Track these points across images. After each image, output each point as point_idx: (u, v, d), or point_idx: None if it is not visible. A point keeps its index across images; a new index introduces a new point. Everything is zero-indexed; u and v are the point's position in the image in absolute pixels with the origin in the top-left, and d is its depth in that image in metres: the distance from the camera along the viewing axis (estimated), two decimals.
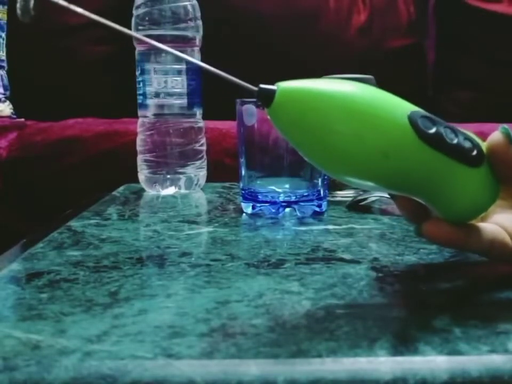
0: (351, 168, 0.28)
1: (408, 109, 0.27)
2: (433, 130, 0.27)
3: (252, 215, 0.50)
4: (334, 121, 0.26)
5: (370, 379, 0.21)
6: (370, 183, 0.28)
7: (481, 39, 1.22)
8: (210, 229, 0.45)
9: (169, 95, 0.61)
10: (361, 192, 0.54)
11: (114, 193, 0.62)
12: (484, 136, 0.30)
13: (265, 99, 0.26)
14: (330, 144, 0.27)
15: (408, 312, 0.27)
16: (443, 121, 0.28)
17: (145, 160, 0.63)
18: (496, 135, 0.29)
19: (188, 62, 0.61)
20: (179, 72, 0.61)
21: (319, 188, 0.50)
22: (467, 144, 0.28)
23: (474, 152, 0.28)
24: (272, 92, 0.26)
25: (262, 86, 0.26)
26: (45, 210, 0.78)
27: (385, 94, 0.28)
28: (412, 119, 0.27)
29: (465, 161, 0.28)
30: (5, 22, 1.15)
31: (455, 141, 0.28)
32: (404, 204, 0.32)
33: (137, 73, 0.62)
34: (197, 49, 0.62)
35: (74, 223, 0.47)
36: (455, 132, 0.28)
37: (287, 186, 0.49)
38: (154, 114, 0.62)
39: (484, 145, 0.29)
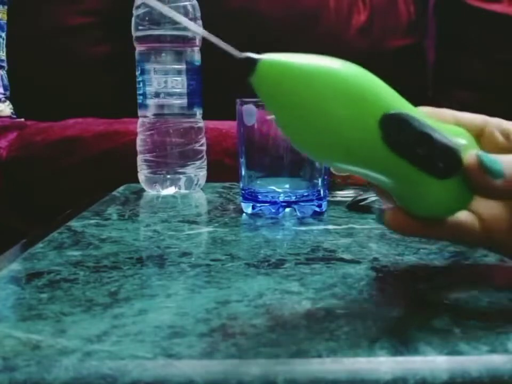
0: (316, 149, 0.27)
1: (387, 108, 0.26)
2: (402, 136, 0.26)
3: (252, 215, 0.50)
4: (308, 99, 0.26)
5: (370, 379, 0.21)
6: (342, 166, 0.28)
7: (481, 39, 1.22)
8: (210, 229, 0.45)
9: (169, 95, 0.61)
10: (361, 192, 0.54)
11: (114, 193, 0.62)
12: None
13: (247, 67, 0.26)
14: (303, 121, 0.26)
15: (408, 312, 0.27)
16: (422, 125, 0.26)
17: (145, 160, 0.63)
18: (471, 156, 0.27)
19: (187, 62, 0.61)
20: (179, 72, 0.61)
21: (319, 188, 0.50)
22: (439, 155, 0.26)
23: (446, 165, 0.27)
24: (255, 61, 0.26)
25: (246, 54, 0.26)
26: (45, 210, 0.78)
27: (373, 83, 0.27)
28: (383, 121, 0.26)
29: (432, 174, 0.27)
30: (5, 22, 1.15)
31: (425, 152, 0.26)
32: (378, 189, 0.31)
33: (137, 73, 0.62)
34: (196, 49, 0.62)
35: (74, 223, 0.47)
36: (429, 140, 0.26)
37: (287, 186, 0.49)
38: (154, 114, 0.62)
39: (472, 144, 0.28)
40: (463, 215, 0.30)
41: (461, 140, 0.27)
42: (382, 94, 0.27)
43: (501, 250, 0.32)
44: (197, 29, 0.29)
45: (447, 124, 0.29)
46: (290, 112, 0.26)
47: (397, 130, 0.26)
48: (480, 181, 0.27)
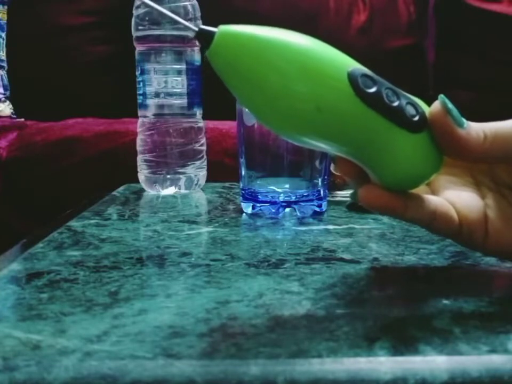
0: (284, 119, 0.27)
1: (350, 66, 0.27)
2: (373, 89, 0.27)
3: (252, 215, 0.50)
4: (268, 69, 0.26)
5: (370, 379, 0.21)
6: (305, 138, 0.28)
7: (481, 39, 1.22)
8: (210, 229, 0.45)
9: (169, 95, 0.61)
10: None
11: (114, 193, 0.62)
12: None
13: (205, 40, 0.26)
14: (263, 92, 0.26)
15: (408, 312, 0.27)
16: (387, 82, 0.28)
17: (145, 160, 0.63)
18: (435, 104, 0.28)
19: (187, 62, 0.61)
20: (179, 72, 0.61)
21: (319, 188, 0.50)
22: (409, 109, 0.27)
23: (416, 118, 0.27)
24: (212, 34, 0.26)
25: (202, 26, 0.26)
26: (45, 210, 0.78)
27: (329, 48, 0.27)
28: (351, 76, 0.26)
29: (404, 125, 0.27)
30: (5, 22, 1.15)
31: (396, 104, 0.27)
32: (345, 167, 0.31)
33: (137, 73, 0.62)
34: (197, 49, 0.62)
35: (74, 223, 0.47)
36: (398, 95, 0.27)
37: (287, 186, 0.49)
38: (154, 114, 0.62)
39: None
40: (440, 201, 0.31)
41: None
42: (344, 56, 0.27)
43: (474, 244, 0.31)
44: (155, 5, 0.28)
45: None
46: (250, 84, 0.26)
47: (366, 83, 0.27)
48: (444, 127, 0.28)
